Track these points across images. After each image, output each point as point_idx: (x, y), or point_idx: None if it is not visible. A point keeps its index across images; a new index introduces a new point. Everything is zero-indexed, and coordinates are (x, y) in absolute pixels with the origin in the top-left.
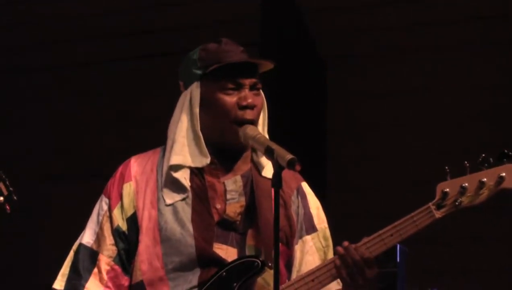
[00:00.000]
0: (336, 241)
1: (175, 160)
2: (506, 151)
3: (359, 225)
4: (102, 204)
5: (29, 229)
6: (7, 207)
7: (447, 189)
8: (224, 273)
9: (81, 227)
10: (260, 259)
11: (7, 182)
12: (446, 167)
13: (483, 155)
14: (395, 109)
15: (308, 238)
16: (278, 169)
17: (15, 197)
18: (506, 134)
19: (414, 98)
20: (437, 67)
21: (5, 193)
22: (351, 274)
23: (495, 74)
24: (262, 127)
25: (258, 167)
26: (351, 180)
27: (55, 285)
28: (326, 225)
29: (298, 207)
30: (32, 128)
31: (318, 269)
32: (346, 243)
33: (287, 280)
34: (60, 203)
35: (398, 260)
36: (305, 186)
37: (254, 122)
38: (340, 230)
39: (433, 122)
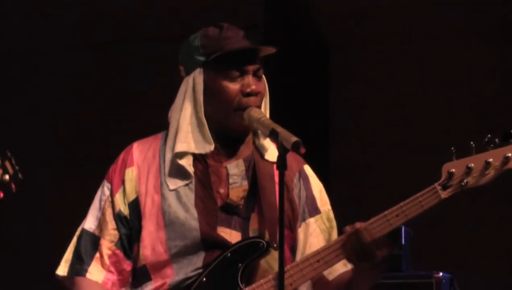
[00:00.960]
0: (340, 225)
1: (180, 147)
2: (511, 131)
3: (362, 208)
4: (104, 189)
5: (30, 215)
6: (13, 186)
7: (453, 170)
8: (229, 254)
9: (83, 213)
10: (265, 239)
11: (13, 161)
12: (452, 148)
13: (489, 135)
14: (398, 94)
15: (311, 220)
16: (282, 151)
17: (20, 176)
18: (505, 123)
19: (417, 84)
20: (440, 55)
21: (11, 171)
22: (360, 255)
23: (494, 63)
24: (264, 111)
25: (260, 151)
26: (355, 163)
27: (58, 271)
28: (329, 207)
29: (300, 190)
30: (31, 115)
31: (323, 249)
32: (358, 225)
33: None
34: (61, 190)
35: (403, 242)
36: (307, 168)
37: None
38: (343, 213)
39: (434, 108)
